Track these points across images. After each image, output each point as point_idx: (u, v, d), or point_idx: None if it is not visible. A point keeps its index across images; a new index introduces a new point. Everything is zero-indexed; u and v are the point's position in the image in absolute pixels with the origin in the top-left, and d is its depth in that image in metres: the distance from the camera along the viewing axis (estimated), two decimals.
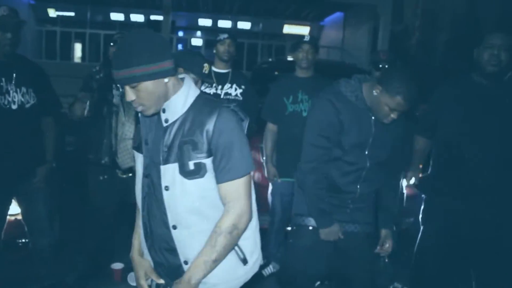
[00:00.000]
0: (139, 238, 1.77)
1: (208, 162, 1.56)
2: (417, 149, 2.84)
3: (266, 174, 3.55)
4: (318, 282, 3.29)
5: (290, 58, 11.81)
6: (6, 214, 2.75)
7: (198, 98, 1.61)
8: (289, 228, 3.22)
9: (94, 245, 3.18)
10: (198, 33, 19.73)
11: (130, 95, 1.52)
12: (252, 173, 1.62)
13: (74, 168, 3.55)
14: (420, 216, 2.65)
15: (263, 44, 16.88)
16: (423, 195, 2.71)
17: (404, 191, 3.32)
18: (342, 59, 13.31)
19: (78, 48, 19.08)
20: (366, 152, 2.25)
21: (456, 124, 2.43)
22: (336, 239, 2.34)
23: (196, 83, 2.50)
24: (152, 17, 16.50)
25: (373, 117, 2.22)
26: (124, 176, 2.99)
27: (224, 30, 16.75)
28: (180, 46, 18.50)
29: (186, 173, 1.56)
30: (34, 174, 2.75)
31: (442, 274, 2.53)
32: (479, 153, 2.37)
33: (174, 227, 1.61)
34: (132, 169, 2.81)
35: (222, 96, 3.32)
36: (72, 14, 18.51)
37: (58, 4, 17.46)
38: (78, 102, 2.75)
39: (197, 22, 18.82)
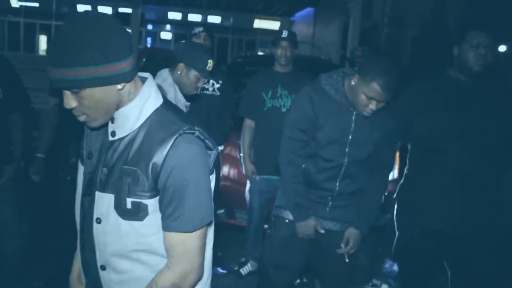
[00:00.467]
0: (78, 263, 1.43)
1: (151, 203, 1.21)
2: None
3: (243, 171, 3.48)
4: (298, 280, 3.26)
5: (260, 53, 11.77)
6: None
7: (157, 112, 1.23)
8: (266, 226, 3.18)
9: (64, 247, 3.04)
10: (168, 26, 19.43)
11: (70, 101, 1.17)
12: (206, 224, 1.27)
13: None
14: (395, 221, 2.61)
15: (234, 38, 16.76)
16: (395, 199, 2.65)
17: None
18: (312, 54, 13.34)
19: (43, 40, 18.51)
20: (346, 150, 2.19)
21: (434, 123, 2.38)
22: (312, 235, 2.29)
23: (198, 80, 2.42)
24: (121, 10, 16.15)
25: (354, 113, 2.15)
26: None
27: (195, 24, 16.56)
28: (149, 40, 18.19)
29: (121, 211, 1.22)
30: (1, 174, 2.58)
31: (419, 271, 2.51)
32: (459, 152, 2.34)
33: (103, 268, 1.30)
34: None
35: (198, 91, 3.22)
36: (36, 4, 17.91)
37: None
38: (52, 113, 2.60)
39: (166, 15, 18.53)
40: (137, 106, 1.22)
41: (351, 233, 2.30)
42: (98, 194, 1.26)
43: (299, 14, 17.63)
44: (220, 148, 3.47)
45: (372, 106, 2.05)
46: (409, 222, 2.48)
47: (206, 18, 18.02)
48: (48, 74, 1.15)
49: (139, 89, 1.23)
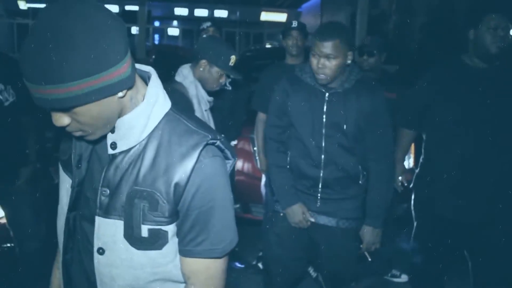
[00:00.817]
0: (57, 281, 1.27)
1: (171, 229, 1.03)
2: (401, 144, 2.66)
3: (258, 165, 3.46)
4: (313, 272, 3.24)
5: (268, 45, 11.67)
6: None
7: (168, 118, 1.04)
8: None
9: None
10: (175, 22, 19.41)
11: (60, 119, 0.93)
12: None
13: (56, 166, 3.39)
14: (413, 211, 2.58)
15: (241, 32, 16.68)
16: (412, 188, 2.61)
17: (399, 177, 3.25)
18: None
19: None
20: (323, 131, 2.18)
21: (450, 111, 2.33)
22: (303, 222, 2.26)
23: (220, 77, 2.35)
24: (127, 7, 16.15)
25: (327, 94, 2.17)
26: None
27: (202, 19, 16.54)
28: (157, 37, 18.18)
29: (134, 240, 1.03)
30: (17, 176, 2.59)
31: (438, 261, 2.48)
32: (477, 140, 2.28)
33: None
34: None
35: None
36: (43, 6, 17.98)
37: None
38: None
39: (173, 11, 18.50)
40: (144, 112, 1.01)
41: (364, 231, 2.28)
42: (99, 220, 1.05)
43: (306, 5, 17.50)
44: (234, 142, 3.45)
45: (321, 64, 2.09)
46: (427, 212, 2.45)
47: (212, 13, 17.96)
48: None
49: (141, 91, 1.02)
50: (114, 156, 1.03)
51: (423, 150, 2.51)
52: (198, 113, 2.32)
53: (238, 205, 3.72)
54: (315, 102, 2.19)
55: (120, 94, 0.94)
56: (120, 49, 0.89)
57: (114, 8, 17.55)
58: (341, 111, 2.16)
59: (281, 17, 17.29)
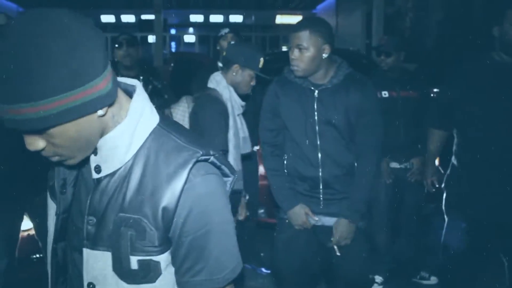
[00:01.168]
0: None
1: (163, 259, 0.93)
2: (432, 145, 2.62)
3: None
4: None
5: (285, 49, 11.62)
6: (19, 231, 2.63)
7: (155, 135, 0.94)
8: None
9: None
10: (191, 29, 19.53)
11: (34, 142, 0.84)
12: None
13: None
14: (444, 206, 2.52)
15: (257, 36, 16.70)
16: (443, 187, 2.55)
17: None
18: (337, 46, 13.16)
19: None
20: (317, 128, 2.17)
21: (480, 108, 2.27)
22: (306, 223, 2.22)
23: (251, 79, 2.49)
24: (143, 17, 16.30)
25: (316, 91, 2.17)
26: None
27: (218, 25, 16.60)
28: (173, 44, 18.32)
29: (124, 274, 0.93)
30: (39, 191, 2.62)
31: (472, 263, 2.41)
32: (508, 138, 2.22)
33: None
34: None
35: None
36: None
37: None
38: None
39: (188, 18, 18.61)
40: (127, 130, 0.91)
41: (339, 223, 2.20)
42: (87, 252, 0.95)
43: (320, 6, 17.42)
44: (256, 148, 3.44)
45: (292, 54, 2.12)
46: (460, 212, 2.39)
47: (228, 18, 18.01)
48: None
49: (125, 107, 0.92)
50: (99, 181, 0.94)
51: (453, 150, 2.46)
52: (231, 117, 2.39)
53: (262, 210, 3.71)
54: (305, 101, 2.19)
55: (100, 112, 0.85)
56: (98, 63, 0.80)
57: (130, 18, 17.75)
58: (332, 107, 2.16)
59: (297, 19, 17.23)
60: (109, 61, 0.85)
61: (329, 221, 2.24)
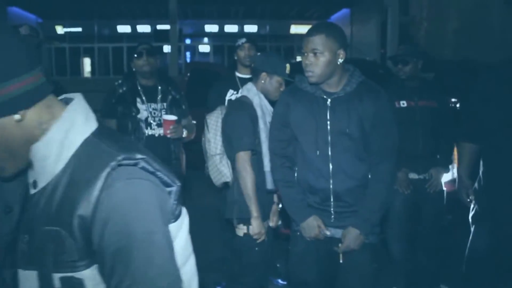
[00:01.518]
0: None
1: (87, 276, 0.83)
2: (463, 158, 2.56)
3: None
4: None
5: (299, 59, 11.67)
6: None
7: (86, 144, 0.87)
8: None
9: None
10: (206, 39, 19.70)
11: None
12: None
13: None
14: (471, 214, 2.48)
15: (271, 46, 16.78)
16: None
17: (444, 188, 3.16)
18: (352, 56, 13.15)
19: (87, 62, 19.17)
20: (329, 138, 2.10)
21: (506, 119, 2.23)
22: (319, 235, 2.17)
23: (280, 85, 2.57)
24: (159, 27, 16.50)
25: (329, 100, 2.10)
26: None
27: (233, 35, 16.69)
28: (188, 54, 18.48)
29: None
30: None
31: (498, 275, 2.36)
32: None
33: None
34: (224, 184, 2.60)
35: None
36: (79, 29, 18.59)
37: (65, 21, 17.54)
38: None
39: (203, 28, 18.79)
40: (55, 139, 0.85)
41: (348, 231, 2.13)
42: (21, 273, 0.87)
43: (334, 17, 17.45)
44: None
45: (307, 60, 2.05)
46: (488, 225, 2.35)
47: (242, 28, 18.14)
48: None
49: (57, 116, 0.87)
50: (33, 196, 0.87)
51: (481, 162, 2.42)
52: (261, 121, 2.48)
53: (280, 222, 3.68)
54: (317, 110, 2.12)
55: (17, 116, 0.81)
56: (11, 64, 0.79)
57: (146, 28, 17.97)
58: (345, 116, 2.09)
59: None
60: (33, 67, 0.84)
61: (339, 233, 2.17)
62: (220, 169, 2.53)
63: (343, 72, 2.12)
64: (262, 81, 2.56)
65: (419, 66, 3.19)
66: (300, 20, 17.66)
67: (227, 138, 2.48)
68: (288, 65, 2.53)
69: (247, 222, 2.44)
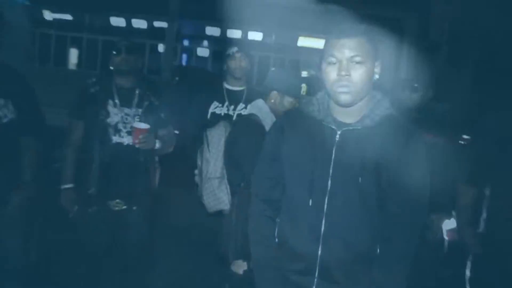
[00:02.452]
0: None
1: None
2: (464, 203, 2.50)
3: None
4: None
5: (304, 74, 11.63)
6: None
7: None
8: None
9: None
10: (205, 42, 19.68)
11: None
12: None
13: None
14: (468, 275, 2.41)
15: (276, 57, 16.78)
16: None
17: (445, 236, 3.05)
18: None
19: (74, 53, 19.08)
20: (329, 184, 1.66)
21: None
22: None
23: (293, 106, 2.50)
24: (156, 24, 16.50)
25: (339, 133, 1.67)
26: (117, 208, 2.75)
27: (235, 40, 16.66)
28: (185, 56, 18.47)
29: None
30: (7, 201, 2.52)
31: None
32: None
33: None
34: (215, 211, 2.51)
35: (234, 118, 3.10)
36: (69, 17, 18.57)
37: (54, 6, 17.52)
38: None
39: (204, 30, 18.78)
40: None
41: None
42: None
43: None
44: None
45: (341, 70, 1.59)
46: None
47: (246, 35, 18.14)
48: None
49: None
50: None
51: (485, 207, 2.38)
52: None
53: None
54: (321, 144, 1.68)
55: None
56: None
57: (142, 24, 17.95)
58: (357, 157, 1.64)
59: (320, 43, 17.32)
60: None
61: None
62: (218, 195, 2.42)
63: (368, 97, 1.69)
64: (272, 101, 2.52)
65: (429, 95, 3.11)
66: (309, 33, 17.68)
67: (234, 164, 2.39)
68: (304, 85, 2.52)
69: (247, 257, 2.14)
